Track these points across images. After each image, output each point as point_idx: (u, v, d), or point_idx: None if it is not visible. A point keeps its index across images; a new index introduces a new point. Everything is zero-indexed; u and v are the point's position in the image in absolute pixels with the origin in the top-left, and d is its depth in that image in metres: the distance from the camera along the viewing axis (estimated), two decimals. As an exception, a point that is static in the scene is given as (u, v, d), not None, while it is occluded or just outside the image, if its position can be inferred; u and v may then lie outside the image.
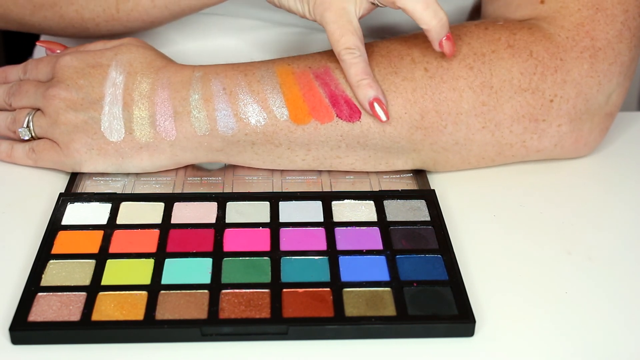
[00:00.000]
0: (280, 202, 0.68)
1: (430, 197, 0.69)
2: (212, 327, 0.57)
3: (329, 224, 0.66)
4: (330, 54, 0.70)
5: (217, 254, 0.62)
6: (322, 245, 0.63)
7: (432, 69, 0.69)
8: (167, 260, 0.62)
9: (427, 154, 0.71)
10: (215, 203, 0.68)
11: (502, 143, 0.71)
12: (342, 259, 0.62)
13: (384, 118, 0.67)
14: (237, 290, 0.59)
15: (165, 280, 0.60)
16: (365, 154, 0.70)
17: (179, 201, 0.68)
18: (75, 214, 0.67)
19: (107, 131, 0.69)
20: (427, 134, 0.69)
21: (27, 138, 0.72)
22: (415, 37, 0.71)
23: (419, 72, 0.69)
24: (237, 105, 0.68)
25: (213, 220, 0.66)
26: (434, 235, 0.65)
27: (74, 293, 0.59)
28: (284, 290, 0.59)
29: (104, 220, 0.66)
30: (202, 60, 0.79)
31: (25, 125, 0.71)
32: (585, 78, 0.70)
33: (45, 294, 0.59)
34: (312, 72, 0.69)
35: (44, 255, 0.62)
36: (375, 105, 0.66)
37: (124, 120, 0.69)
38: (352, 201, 0.68)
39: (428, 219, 0.66)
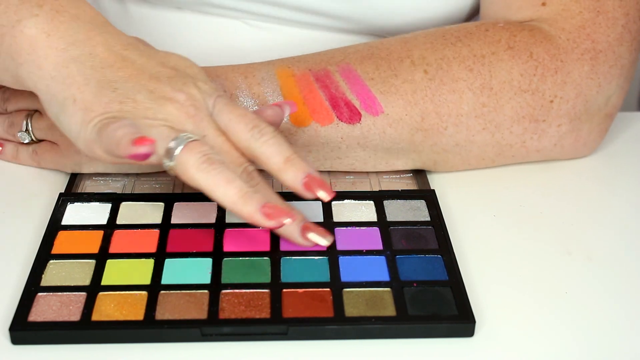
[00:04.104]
0: (280, 202, 0.68)
1: (430, 197, 0.69)
2: (212, 327, 0.57)
3: (329, 224, 0.65)
4: (330, 56, 0.70)
5: (217, 254, 0.62)
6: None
7: (431, 71, 0.69)
8: (167, 260, 0.62)
9: (428, 155, 0.71)
10: (215, 203, 0.68)
11: (502, 144, 0.71)
12: (342, 259, 0.62)
13: (324, 243, 0.62)
14: (237, 291, 0.59)
15: (165, 280, 0.60)
16: (365, 155, 0.70)
17: (179, 201, 0.68)
18: (75, 214, 0.67)
19: None
20: (427, 135, 0.69)
21: (27, 141, 0.71)
22: (414, 38, 0.71)
23: (418, 74, 0.69)
24: None
25: (213, 220, 0.66)
26: (434, 235, 0.65)
27: (74, 293, 0.59)
28: (284, 290, 0.59)
29: (104, 220, 0.66)
30: (212, 61, 0.78)
31: (24, 129, 0.71)
32: (586, 80, 0.70)
33: (45, 294, 0.59)
34: (313, 75, 0.69)
35: (44, 255, 0.62)
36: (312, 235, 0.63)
37: None
38: (352, 201, 0.68)
39: (428, 219, 0.66)
